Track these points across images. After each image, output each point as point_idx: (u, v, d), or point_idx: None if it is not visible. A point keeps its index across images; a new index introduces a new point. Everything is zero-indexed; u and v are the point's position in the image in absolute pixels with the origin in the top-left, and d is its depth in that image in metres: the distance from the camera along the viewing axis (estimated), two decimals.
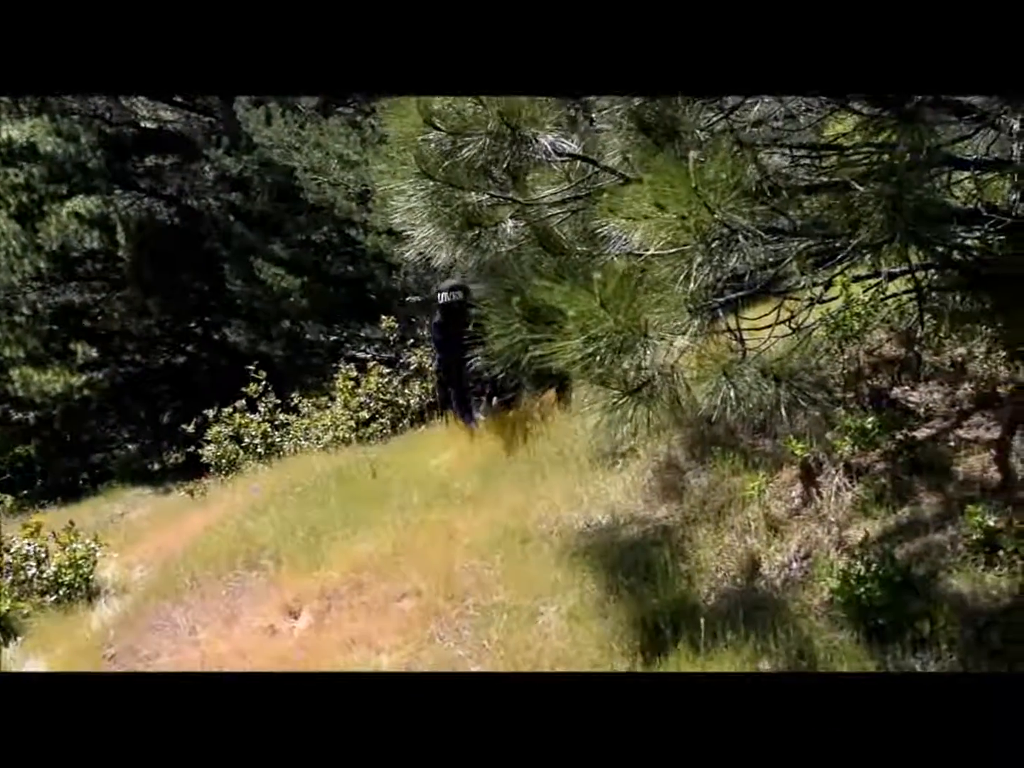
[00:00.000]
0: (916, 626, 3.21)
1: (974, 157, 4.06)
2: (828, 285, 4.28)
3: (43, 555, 6.02)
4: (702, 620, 3.45)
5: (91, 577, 5.96)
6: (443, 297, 6.18)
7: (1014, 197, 4.14)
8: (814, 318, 4.46)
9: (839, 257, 3.38)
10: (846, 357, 4.66)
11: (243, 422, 8.68)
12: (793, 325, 4.21)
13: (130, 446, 14.13)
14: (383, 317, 9.25)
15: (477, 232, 3.85)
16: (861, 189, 3.08)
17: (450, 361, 6.29)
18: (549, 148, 3.71)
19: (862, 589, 3.30)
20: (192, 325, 13.93)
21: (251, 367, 9.18)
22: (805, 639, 3.35)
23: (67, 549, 5.97)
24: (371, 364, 8.75)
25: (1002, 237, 3.61)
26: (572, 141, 3.86)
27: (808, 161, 3.83)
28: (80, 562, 5.91)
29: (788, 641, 3.36)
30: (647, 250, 3.13)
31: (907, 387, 4.47)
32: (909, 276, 4.21)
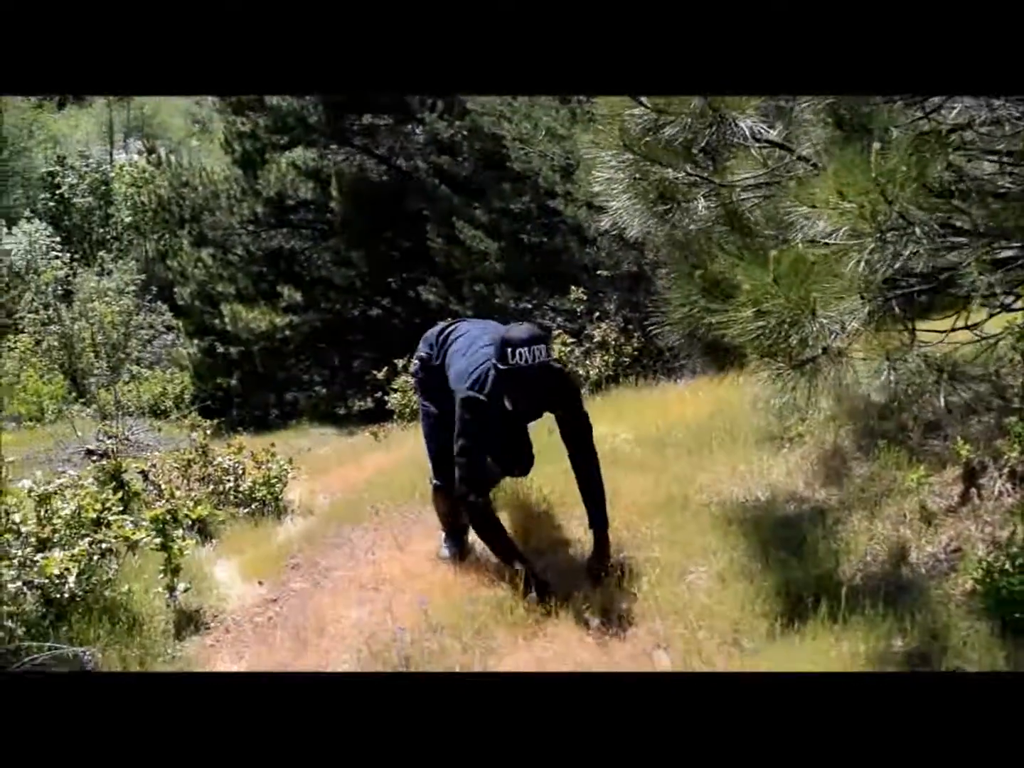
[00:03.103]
0: None
1: None
2: (1017, 296, 4.35)
3: (240, 471, 6.63)
4: (843, 593, 3.64)
5: (280, 497, 6.52)
6: (522, 355, 4.07)
7: None
8: (999, 326, 4.53)
9: (1015, 263, 3.49)
10: None
11: None
12: (977, 333, 4.32)
13: (321, 388, 14.84)
14: (572, 288, 9.54)
15: (670, 207, 4.09)
16: None
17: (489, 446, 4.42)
18: (748, 133, 3.93)
19: (1004, 582, 3.41)
20: (390, 280, 14.47)
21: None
22: (942, 624, 3.47)
23: (263, 468, 6.55)
24: (556, 332, 9.05)
25: None
26: (773, 128, 4.07)
27: (1010, 168, 3.92)
28: (273, 481, 6.48)
29: (924, 624, 3.49)
30: (827, 238, 3.34)
31: None
32: None
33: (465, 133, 12.76)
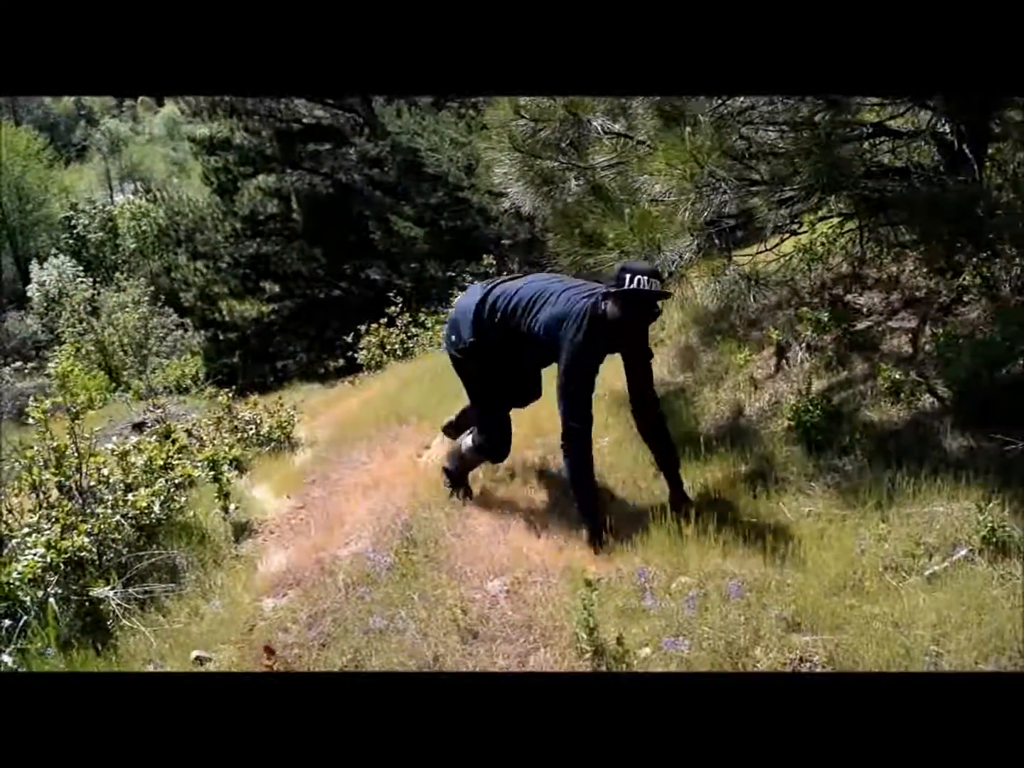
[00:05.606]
0: (840, 439, 3.67)
1: (909, 130, 4.37)
2: (800, 223, 4.66)
3: (259, 420, 6.73)
4: (702, 441, 3.97)
5: (291, 435, 6.65)
6: (640, 282, 3.33)
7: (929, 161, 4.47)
8: (791, 246, 4.84)
9: (792, 201, 3.79)
10: (814, 274, 5.02)
11: (385, 334, 9.23)
12: (775, 253, 4.62)
13: (303, 355, 14.74)
14: (484, 256, 9.77)
15: (551, 188, 4.32)
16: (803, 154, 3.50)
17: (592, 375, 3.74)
18: (599, 128, 4.16)
19: (807, 418, 3.78)
20: (345, 267, 14.36)
21: (390, 294, 9.78)
22: (770, 452, 3.83)
23: (275, 416, 6.68)
24: None
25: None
26: (617, 122, 4.30)
27: (785, 134, 4.21)
28: (284, 424, 6.61)
29: (758, 453, 3.85)
30: (663, 196, 3.61)
31: (857, 294, 4.82)
32: (857, 216, 4.57)
33: (388, 149, 12.72)
